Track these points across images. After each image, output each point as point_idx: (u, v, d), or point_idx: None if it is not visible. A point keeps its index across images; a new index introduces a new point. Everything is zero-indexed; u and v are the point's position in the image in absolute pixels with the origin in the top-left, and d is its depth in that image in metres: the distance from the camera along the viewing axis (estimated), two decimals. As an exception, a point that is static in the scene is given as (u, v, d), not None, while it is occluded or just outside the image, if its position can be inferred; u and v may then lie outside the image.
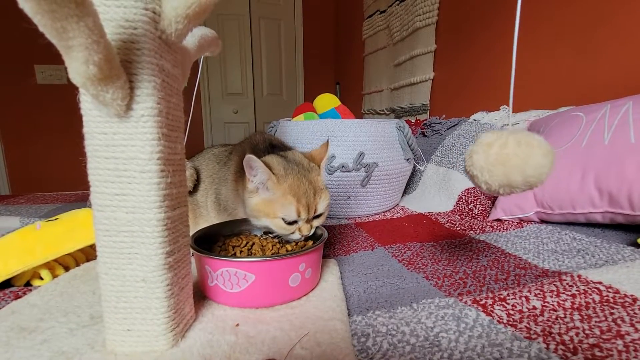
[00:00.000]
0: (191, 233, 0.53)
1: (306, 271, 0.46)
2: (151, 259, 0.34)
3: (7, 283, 0.54)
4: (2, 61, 2.41)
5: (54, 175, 2.58)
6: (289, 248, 0.52)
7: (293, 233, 0.53)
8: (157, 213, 0.33)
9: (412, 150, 1.05)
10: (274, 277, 0.44)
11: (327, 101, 1.21)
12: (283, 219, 0.51)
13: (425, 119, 1.42)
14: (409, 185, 1.25)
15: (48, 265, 0.55)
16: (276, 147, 0.63)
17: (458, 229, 0.83)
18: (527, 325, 0.41)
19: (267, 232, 0.58)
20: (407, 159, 1.04)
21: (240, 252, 0.50)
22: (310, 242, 0.54)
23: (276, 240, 0.54)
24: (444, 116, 1.30)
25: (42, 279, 0.55)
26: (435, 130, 1.27)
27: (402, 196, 1.20)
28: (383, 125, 1.00)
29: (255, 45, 3.02)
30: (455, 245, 0.71)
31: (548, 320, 0.42)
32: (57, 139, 2.54)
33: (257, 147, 0.63)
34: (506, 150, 0.37)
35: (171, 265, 0.36)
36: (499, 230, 0.79)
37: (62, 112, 2.50)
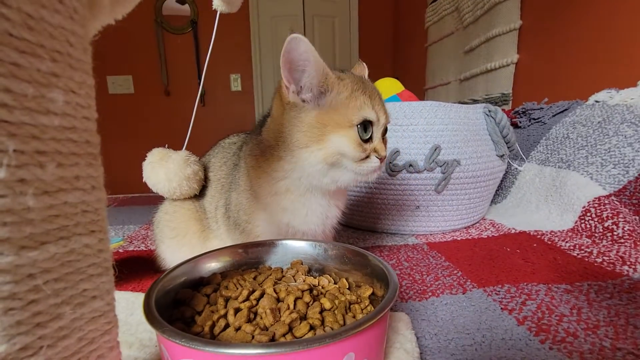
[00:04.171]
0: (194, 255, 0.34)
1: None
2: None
3: None
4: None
5: (128, 178, 2.70)
6: (327, 305, 0.28)
7: (368, 159, 0.39)
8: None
9: (507, 143, 0.76)
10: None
11: (387, 86, 0.97)
12: (360, 129, 0.38)
13: (518, 107, 1.10)
14: (497, 191, 0.95)
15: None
16: None
17: (599, 260, 0.53)
18: None
19: (296, 262, 0.37)
20: (501, 156, 0.75)
21: (235, 312, 0.27)
22: (364, 305, 0.30)
23: (307, 284, 0.32)
24: (545, 100, 0.98)
25: None
26: (533, 119, 0.96)
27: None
28: (466, 110, 0.73)
29: (309, 44, 2.92)
30: (608, 292, 0.42)
31: None
32: (127, 144, 2.67)
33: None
34: None
35: None
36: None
37: (130, 120, 2.65)
